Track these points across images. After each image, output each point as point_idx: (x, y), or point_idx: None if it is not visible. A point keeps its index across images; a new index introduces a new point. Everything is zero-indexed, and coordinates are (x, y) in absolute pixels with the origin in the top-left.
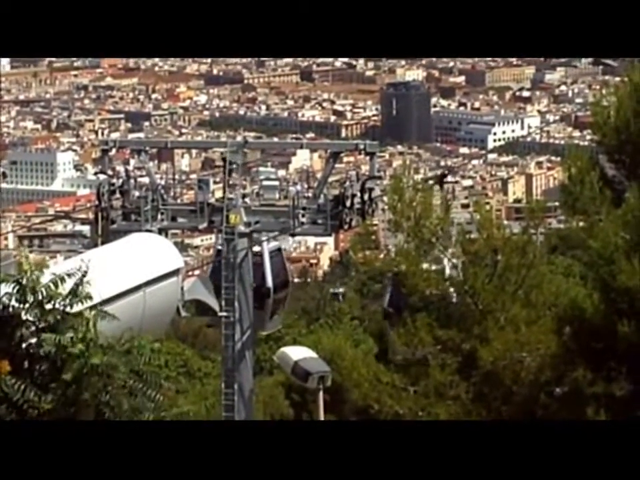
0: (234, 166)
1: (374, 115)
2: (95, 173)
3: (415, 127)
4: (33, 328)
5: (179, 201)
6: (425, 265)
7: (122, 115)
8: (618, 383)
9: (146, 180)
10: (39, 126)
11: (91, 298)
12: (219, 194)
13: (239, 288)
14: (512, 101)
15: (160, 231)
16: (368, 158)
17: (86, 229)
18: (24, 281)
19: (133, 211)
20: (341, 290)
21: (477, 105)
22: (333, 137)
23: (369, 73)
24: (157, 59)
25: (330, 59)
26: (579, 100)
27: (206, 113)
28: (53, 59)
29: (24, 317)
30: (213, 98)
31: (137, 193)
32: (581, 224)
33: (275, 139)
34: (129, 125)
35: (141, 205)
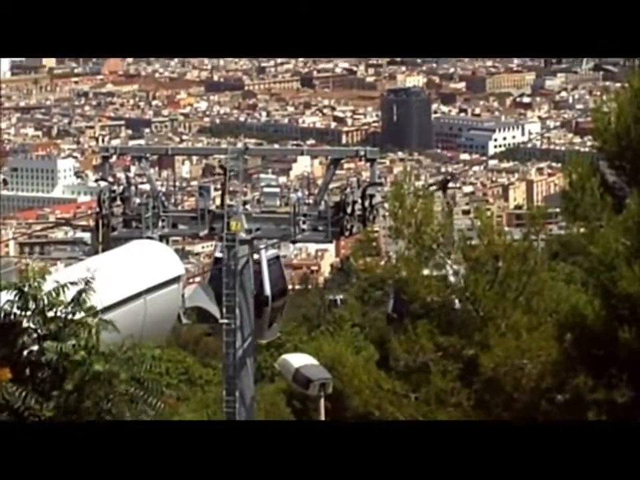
0: (231, 173)
1: (374, 122)
2: (96, 180)
3: (415, 133)
4: (35, 335)
5: (179, 207)
6: (425, 272)
7: (122, 122)
8: (619, 390)
9: (147, 187)
10: (39, 133)
11: (93, 309)
12: (219, 201)
13: (239, 295)
14: (512, 107)
15: (161, 238)
16: (368, 164)
17: (87, 236)
18: (26, 289)
19: (133, 218)
20: (339, 297)
21: (477, 111)
22: (334, 143)
23: (370, 79)
24: (157, 65)
25: (330, 65)
26: (579, 106)
27: (206, 119)
28: (54, 66)
29: (25, 325)
30: (214, 104)
31: (137, 200)
32: (582, 230)
33: (276, 146)
34: (130, 131)
35: (141, 211)
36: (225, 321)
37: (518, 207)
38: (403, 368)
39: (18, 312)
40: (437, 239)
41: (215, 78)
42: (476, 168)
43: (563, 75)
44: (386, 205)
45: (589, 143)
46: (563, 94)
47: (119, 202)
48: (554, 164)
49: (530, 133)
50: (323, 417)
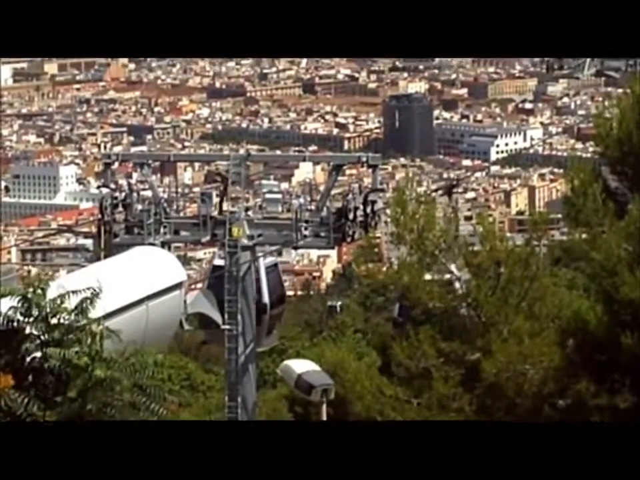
0: (230, 180)
1: (376, 128)
2: (98, 187)
3: (417, 140)
4: (38, 342)
5: (181, 214)
6: (427, 277)
7: (124, 129)
8: (621, 395)
9: (149, 193)
10: (41, 139)
11: (97, 319)
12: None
13: (241, 301)
14: (514, 113)
15: (163, 244)
16: (370, 170)
17: (89, 242)
18: (29, 295)
19: (135, 225)
20: (339, 303)
21: (479, 117)
22: (336, 149)
23: (372, 86)
24: (159, 72)
25: (332, 72)
26: (581, 112)
27: (208, 126)
28: (56, 73)
29: (28, 331)
30: (216, 111)
31: (139, 207)
32: (584, 236)
33: (278, 152)
34: (132, 138)
35: (143, 218)
36: (227, 327)
37: (520, 213)
38: (405, 374)
39: (21, 318)
40: (439, 245)
41: (217, 84)
42: (478, 174)
43: (565, 80)
44: (388, 211)
45: (591, 149)
46: (565, 100)
47: (121, 209)
48: (556, 170)
49: (532, 139)
50: None
